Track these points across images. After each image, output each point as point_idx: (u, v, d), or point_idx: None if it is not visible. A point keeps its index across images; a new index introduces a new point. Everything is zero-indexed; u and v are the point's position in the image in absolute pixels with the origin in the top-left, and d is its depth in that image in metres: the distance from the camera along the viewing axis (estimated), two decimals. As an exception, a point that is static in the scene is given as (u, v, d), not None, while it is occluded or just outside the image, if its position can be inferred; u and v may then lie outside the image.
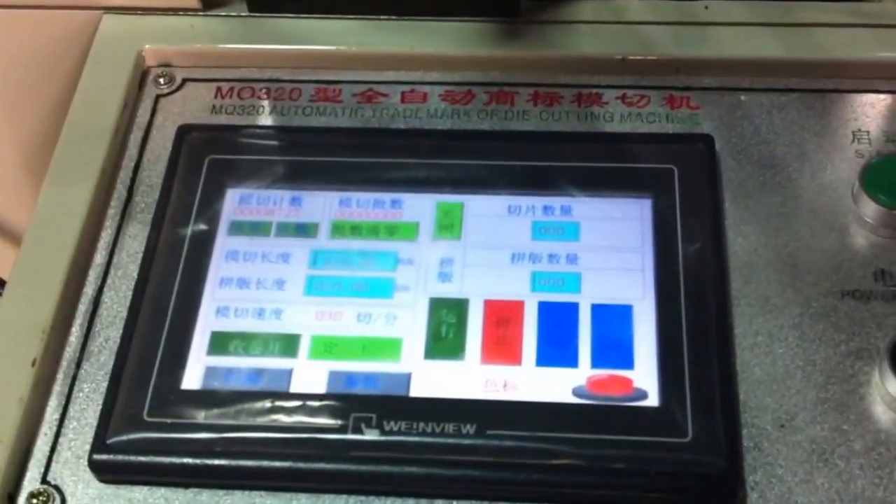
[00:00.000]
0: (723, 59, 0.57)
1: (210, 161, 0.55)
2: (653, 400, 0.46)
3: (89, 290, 0.52)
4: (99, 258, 0.53)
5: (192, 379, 0.48)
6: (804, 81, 0.57)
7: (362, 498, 0.46)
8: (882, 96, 0.56)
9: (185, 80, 0.59)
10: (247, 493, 0.46)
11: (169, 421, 0.47)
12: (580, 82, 0.57)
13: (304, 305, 0.50)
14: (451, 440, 0.46)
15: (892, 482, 0.45)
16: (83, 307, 0.51)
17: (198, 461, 0.46)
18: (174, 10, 0.60)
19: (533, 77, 0.58)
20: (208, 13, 0.61)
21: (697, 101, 0.56)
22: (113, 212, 0.54)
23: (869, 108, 0.56)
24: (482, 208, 0.53)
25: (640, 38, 0.58)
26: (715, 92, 0.57)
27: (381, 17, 0.59)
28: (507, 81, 0.58)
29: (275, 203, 0.53)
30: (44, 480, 0.47)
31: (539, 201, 0.53)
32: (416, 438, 0.46)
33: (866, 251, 0.51)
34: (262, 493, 0.46)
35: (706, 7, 0.59)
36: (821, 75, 0.57)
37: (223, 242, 0.52)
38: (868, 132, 0.55)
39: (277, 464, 0.46)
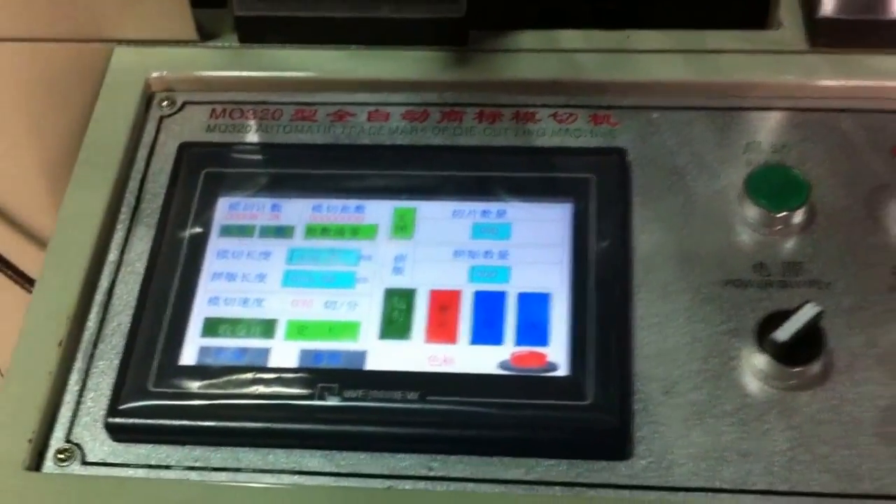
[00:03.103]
0: (639, 81, 0.67)
1: (206, 174, 0.65)
2: (562, 371, 0.56)
3: (104, 283, 0.62)
4: (112, 256, 0.63)
5: (188, 356, 0.59)
6: (709, 101, 0.66)
7: (327, 452, 0.56)
8: (773, 113, 0.65)
9: (185, 103, 0.69)
10: (231, 449, 0.56)
11: (170, 391, 0.57)
12: (518, 102, 0.67)
13: (281, 295, 0.60)
14: (398, 405, 0.56)
15: (754, 437, 0.55)
16: (99, 297, 0.62)
17: (193, 423, 0.56)
18: (176, 42, 0.71)
19: (478, 98, 0.68)
20: (206, 44, 0.71)
21: (616, 119, 0.66)
22: (123, 217, 0.65)
23: (761, 124, 0.65)
24: (431, 212, 0.63)
25: (570, 63, 0.68)
26: (632, 110, 0.66)
27: (352, 46, 0.69)
28: (456, 102, 0.68)
29: (258, 209, 0.64)
30: (67, 440, 0.57)
31: (479, 206, 0.63)
32: (370, 404, 0.56)
33: (748, 247, 0.61)
34: (245, 449, 0.56)
35: (628, 37, 0.69)
36: (723, 95, 0.66)
37: (215, 243, 0.63)
38: (760, 143, 0.65)
39: (257, 425, 0.56)
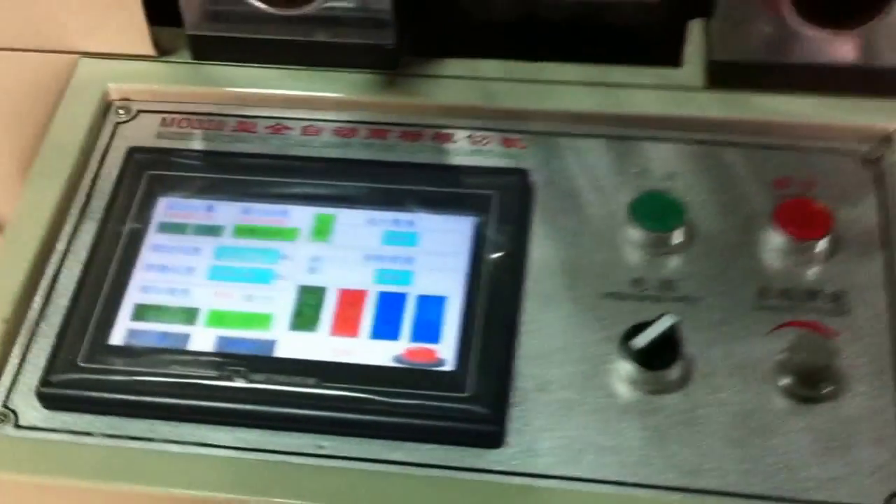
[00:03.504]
0: (548, 110, 0.72)
1: (148, 175, 0.71)
2: (448, 367, 0.62)
3: (50, 269, 0.68)
4: (60, 246, 0.69)
5: (117, 337, 0.64)
6: (609, 130, 0.72)
7: (231, 428, 0.61)
8: (667, 144, 0.71)
9: (139, 112, 0.75)
10: (147, 421, 0.62)
11: (97, 366, 0.63)
12: (438, 124, 0.73)
13: (205, 287, 0.66)
14: (296, 389, 0.61)
15: (613, 434, 0.60)
16: (45, 282, 0.67)
17: (114, 396, 0.62)
18: (136, 57, 0.77)
19: (403, 118, 0.73)
20: (162, 59, 0.77)
21: (525, 143, 0.72)
22: (74, 211, 0.70)
23: (655, 153, 0.71)
24: (349, 219, 0.69)
25: (488, 91, 0.73)
26: (540, 136, 0.72)
27: (292, 67, 0.75)
28: (383, 121, 0.73)
29: (194, 209, 0.70)
30: (4, 405, 0.63)
31: (391, 216, 0.68)
32: (272, 387, 0.62)
33: (629, 264, 0.66)
34: (159, 421, 0.62)
35: (542, 69, 0.74)
36: (623, 126, 0.72)
37: (152, 238, 0.68)
38: (652, 171, 0.70)
39: (170, 400, 0.62)
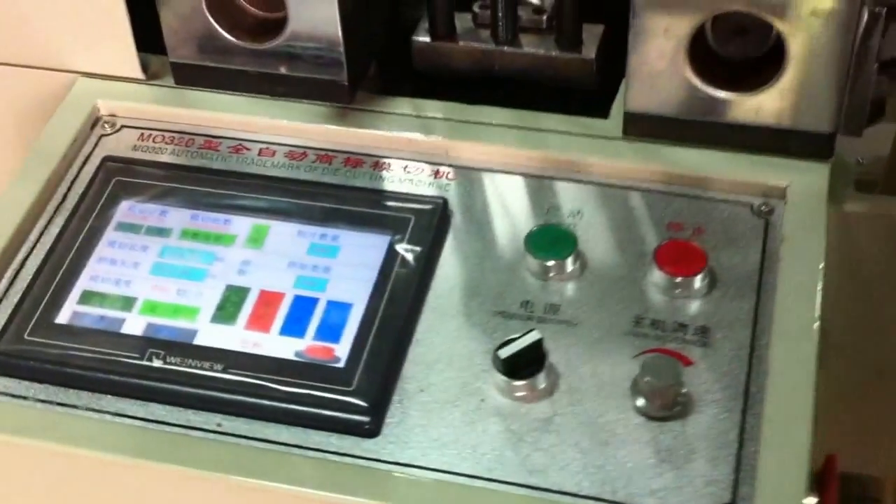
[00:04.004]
0: (477, 147, 0.78)
1: (115, 181, 0.79)
2: (341, 364, 0.68)
3: (20, 256, 0.75)
4: (32, 237, 0.76)
5: (63, 317, 0.71)
6: (529, 169, 0.77)
7: (146, 403, 0.68)
8: (577, 184, 0.76)
9: (122, 126, 0.83)
10: (76, 391, 0.68)
11: (40, 340, 0.70)
12: (379, 154, 0.79)
13: (146, 280, 0.73)
14: (205, 372, 0.68)
15: (477, 434, 0.65)
16: (13, 266, 0.75)
17: (50, 367, 0.69)
18: (126, 79, 0.85)
19: (348, 147, 0.80)
20: (149, 82, 0.85)
21: (453, 175, 0.78)
22: (49, 208, 0.78)
23: (566, 192, 0.76)
24: (281, 231, 0.75)
25: (427, 127, 0.80)
26: (467, 170, 0.78)
27: (257, 95, 0.83)
28: (330, 148, 0.80)
29: (149, 213, 0.77)
30: (-43, 368, 0.71)
31: (319, 230, 0.75)
32: (184, 369, 0.68)
33: (522, 287, 0.71)
34: (86, 392, 0.68)
35: (480, 111, 0.80)
36: (542, 166, 0.78)
37: (109, 235, 0.76)
38: (560, 208, 0.75)
39: (98, 375, 0.69)
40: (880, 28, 0.69)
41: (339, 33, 0.78)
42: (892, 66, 0.71)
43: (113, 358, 0.69)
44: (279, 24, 0.79)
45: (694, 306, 0.70)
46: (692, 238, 0.72)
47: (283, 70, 0.81)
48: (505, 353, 0.65)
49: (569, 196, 0.76)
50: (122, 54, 0.83)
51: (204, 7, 0.79)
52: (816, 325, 0.67)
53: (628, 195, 0.75)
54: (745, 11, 0.71)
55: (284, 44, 0.79)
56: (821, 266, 0.69)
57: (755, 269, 0.71)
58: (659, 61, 0.74)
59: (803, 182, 0.74)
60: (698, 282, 0.70)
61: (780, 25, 0.70)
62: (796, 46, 0.71)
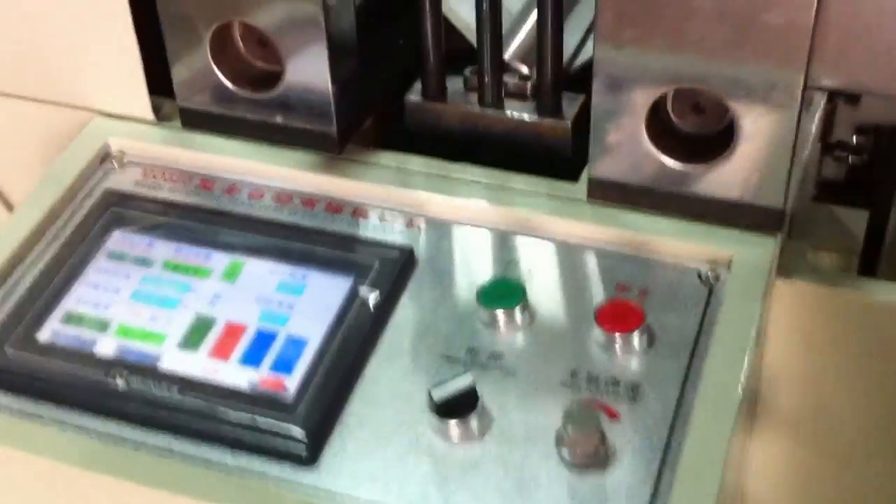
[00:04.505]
0: (448, 201, 0.81)
1: (111, 212, 0.83)
2: (289, 394, 0.71)
3: (16, 274, 0.80)
4: (30, 258, 0.81)
5: (44, 334, 0.75)
6: (498, 225, 0.80)
7: (105, 419, 0.71)
8: (535, 240, 0.78)
9: (128, 163, 0.88)
10: (45, 404, 0.72)
11: (19, 353, 0.74)
12: (358, 202, 0.82)
13: (124, 305, 0.77)
14: (162, 395, 0.71)
15: (407, 469, 0.67)
16: (8, 284, 0.79)
17: (27, 381, 0.73)
18: (138, 119, 0.89)
19: (333, 194, 0.83)
20: (159, 123, 0.89)
21: (425, 226, 0.80)
22: (49, 234, 0.82)
23: (526, 248, 0.78)
24: (255, 268, 0.78)
25: (405, 180, 0.83)
26: (438, 222, 0.81)
27: (254, 141, 0.86)
28: (315, 194, 0.83)
29: (137, 244, 0.81)
30: (-58, 374, 0.75)
31: (289, 269, 0.78)
32: (144, 390, 0.71)
33: (470, 335, 0.73)
34: (53, 405, 0.72)
35: (458, 169, 0.83)
36: (506, 223, 0.80)
37: (98, 261, 0.80)
38: (518, 262, 0.77)
39: (66, 391, 0.72)
40: (821, 112, 0.70)
41: (329, 88, 0.81)
42: (837, 148, 0.73)
43: (80, 375, 0.72)
44: (277, 77, 0.83)
45: (629, 363, 0.71)
46: (637, 299, 0.74)
47: (278, 119, 0.84)
48: (437, 393, 0.67)
49: (529, 252, 0.78)
50: (135, 97, 0.88)
51: (209, 58, 0.83)
52: (740, 389, 0.68)
53: (584, 255, 0.77)
54: (699, 89, 0.73)
55: (280, 95, 0.83)
56: (752, 334, 0.71)
57: (693, 332, 0.72)
58: (619, 132, 0.76)
59: (749, 253, 0.75)
60: (635, 340, 0.71)
61: (729, 103, 0.72)
62: (745, 124, 0.72)
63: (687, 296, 0.75)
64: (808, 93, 0.70)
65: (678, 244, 0.77)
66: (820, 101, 0.70)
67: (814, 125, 0.71)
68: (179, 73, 0.85)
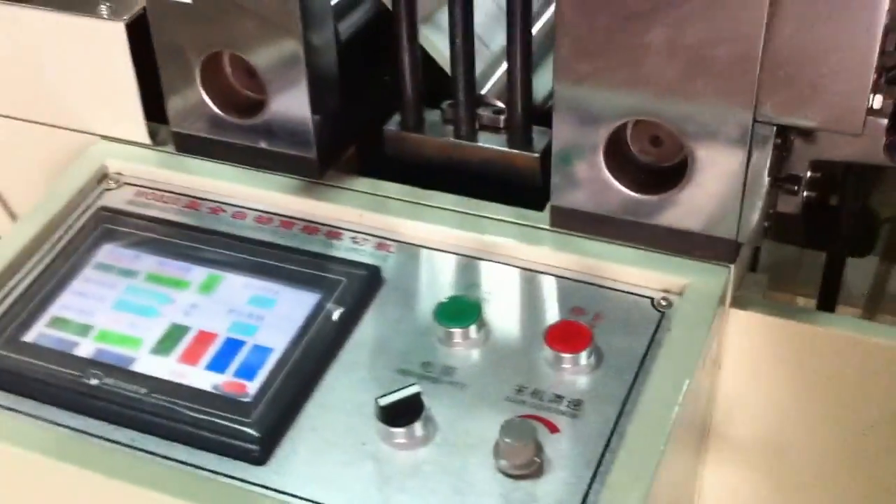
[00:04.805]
0: (417, 225, 0.84)
1: (103, 227, 0.87)
2: (248, 398, 0.74)
3: (12, 282, 0.84)
4: (27, 267, 0.85)
5: (30, 336, 0.79)
6: (464, 250, 0.83)
7: (77, 414, 0.75)
8: (498, 265, 0.81)
9: (124, 183, 0.92)
10: (25, 399, 0.75)
11: (6, 353, 0.78)
12: (333, 224, 0.86)
13: (107, 313, 0.81)
14: (131, 394, 0.74)
15: (351, 471, 0.70)
16: (8, 288, 0.84)
17: (9, 377, 0.77)
18: (135, 143, 0.94)
19: (310, 216, 0.87)
20: (155, 147, 0.94)
21: (394, 248, 0.84)
22: (47, 245, 0.86)
23: (489, 271, 0.81)
24: (231, 282, 0.82)
25: (380, 205, 0.86)
26: (407, 245, 0.84)
27: (240, 165, 0.91)
28: (294, 216, 0.87)
29: (124, 256, 0.85)
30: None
31: (263, 283, 0.81)
32: (115, 389, 0.75)
33: (426, 350, 0.76)
34: (33, 401, 0.75)
35: (429, 196, 0.87)
36: (475, 248, 0.83)
37: (87, 272, 0.84)
38: (480, 285, 0.81)
39: (45, 387, 0.76)
40: (770, 147, 0.73)
41: (309, 118, 0.85)
42: (788, 182, 0.75)
43: (59, 374, 0.76)
44: (263, 105, 0.87)
45: (574, 381, 0.74)
46: (590, 322, 0.76)
47: (263, 144, 0.88)
48: (383, 401, 0.70)
49: (491, 275, 0.81)
50: (133, 123, 0.92)
51: (199, 85, 0.88)
52: (674, 411, 0.70)
53: (543, 280, 0.80)
54: (656, 123, 0.76)
55: (264, 122, 0.87)
56: (695, 360, 0.73)
57: (640, 355, 0.75)
58: (579, 163, 0.79)
59: (701, 283, 0.77)
60: (582, 359, 0.74)
61: (683, 137, 0.75)
62: (698, 157, 0.75)
63: (638, 321, 0.77)
64: (757, 127, 0.72)
65: (634, 272, 0.79)
66: (769, 136, 0.73)
67: (766, 159, 0.73)
68: (172, 99, 0.90)
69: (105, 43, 0.89)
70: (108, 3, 0.90)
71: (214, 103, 0.89)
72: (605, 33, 0.72)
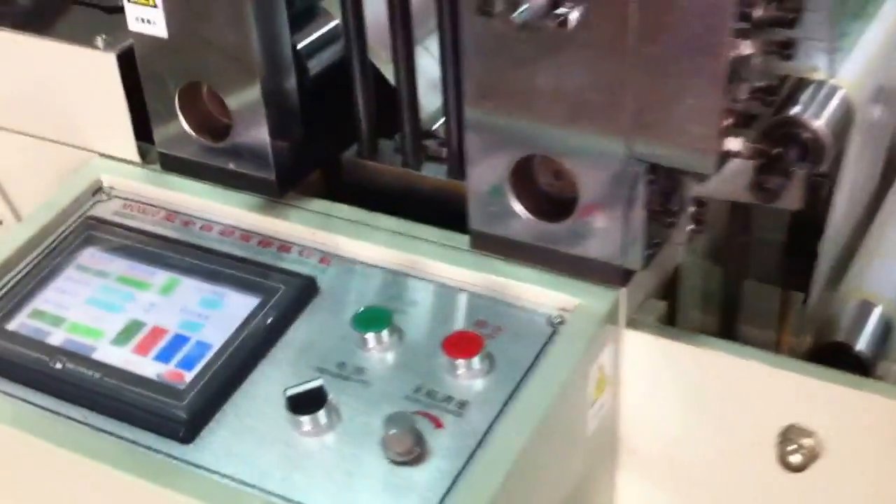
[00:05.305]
0: (352, 243, 0.95)
1: (87, 234, 0.99)
2: (183, 385, 0.84)
3: (5, 280, 0.97)
4: (20, 266, 0.98)
5: (13, 325, 0.91)
6: (395, 266, 0.93)
7: (43, 394, 0.86)
8: (426, 283, 0.91)
9: (114, 196, 1.04)
10: (8, 381, 0.88)
11: (-11, 340, 0.91)
12: (285, 239, 0.96)
13: (79, 308, 0.92)
14: (87, 377, 0.86)
15: (263, 452, 0.80)
16: (5, 280, 0.96)
17: (-6, 360, 0.89)
18: (127, 161, 1.06)
19: (266, 231, 0.97)
20: (144, 165, 1.06)
21: (335, 263, 0.93)
22: (40, 249, 0.98)
23: (415, 288, 0.91)
24: (187, 285, 0.93)
25: (327, 224, 0.97)
26: (346, 260, 0.94)
27: (211, 183, 1.02)
28: (252, 230, 0.98)
29: (101, 259, 0.96)
30: (-74, 350, 0.91)
31: (213, 287, 0.92)
32: (75, 373, 0.87)
33: (345, 352, 0.85)
34: (7, 381, 0.87)
35: (374, 218, 0.97)
36: (406, 266, 0.93)
37: (68, 272, 0.96)
38: (400, 298, 0.90)
39: (17, 369, 0.88)
40: (643, 183, 0.81)
41: (268, 142, 0.96)
42: (665, 216, 0.84)
43: (31, 358, 0.88)
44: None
45: (465, 385, 0.83)
46: (488, 333, 0.86)
47: (231, 166, 0.99)
48: (290, 392, 0.80)
49: (413, 290, 0.91)
50: (125, 142, 1.04)
51: (178, 110, 0.99)
52: (539, 414, 0.79)
53: (457, 295, 0.90)
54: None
55: (232, 145, 0.98)
56: (569, 371, 0.82)
57: (527, 365, 0.84)
58: (490, 190, 0.88)
59: (589, 303, 0.86)
60: (473, 365, 0.83)
61: (570, 170, 0.84)
62: (584, 190, 0.84)
63: (533, 335, 0.86)
64: (631, 164, 0.81)
65: (536, 290, 0.88)
66: (642, 173, 0.81)
67: (641, 194, 0.82)
68: (156, 123, 1.01)
69: (100, 71, 1.01)
70: (103, 36, 1.01)
71: (192, 127, 1.00)
72: (500, 76, 0.82)
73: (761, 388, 0.86)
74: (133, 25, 0.96)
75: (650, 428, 0.93)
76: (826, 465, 0.85)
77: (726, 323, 0.99)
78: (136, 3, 0.95)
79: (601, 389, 0.88)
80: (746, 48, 0.75)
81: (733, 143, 0.78)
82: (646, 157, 0.81)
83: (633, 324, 0.88)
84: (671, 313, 0.98)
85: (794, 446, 0.84)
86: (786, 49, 0.76)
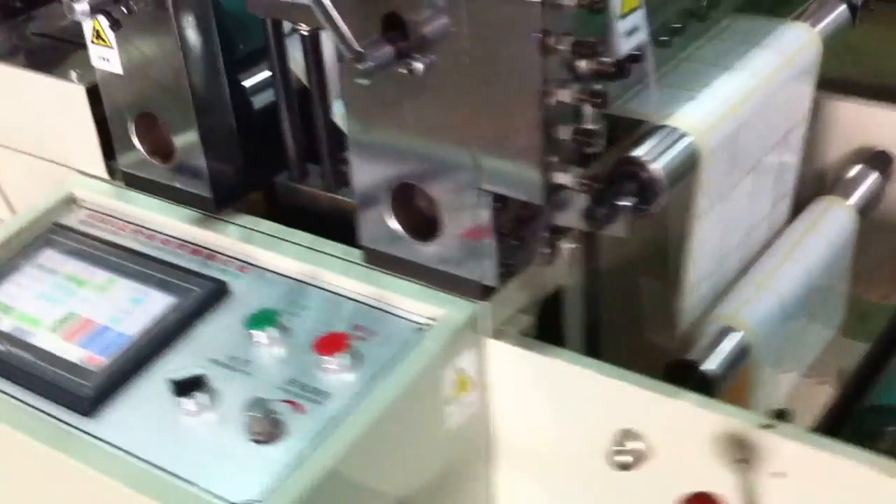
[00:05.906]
0: (274, 256, 1.07)
1: (48, 237, 1.13)
2: (96, 368, 0.98)
3: (-24, 274, 1.11)
4: (-9, 264, 1.12)
5: (-26, 314, 1.06)
6: (300, 276, 1.05)
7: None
8: (323, 293, 1.03)
9: (83, 207, 1.18)
10: (-48, 356, 1.02)
11: (-49, 324, 1.05)
12: (213, 249, 1.08)
13: (29, 300, 1.06)
14: (21, 358, 1.00)
15: (149, 426, 0.93)
16: (-30, 279, 1.11)
17: (-55, 339, 1.04)
18: (97, 177, 1.20)
19: (199, 241, 1.10)
20: (111, 182, 1.19)
21: (250, 272, 1.06)
22: (14, 248, 1.13)
23: (312, 297, 1.02)
24: (121, 285, 1.05)
25: (249, 237, 1.09)
26: (261, 270, 1.06)
27: (162, 198, 1.15)
28: (187, 240, 1.10)
29: (56, 260, 1.10)
30: None
31: (139, 287, 1.04)
32: (12, 353, 1.00)
33: (237, 347, 0.98)
34: (-43, 358, 1.02)
35: (293, 234, 1.09)
36: (310, 277, 1.04)
37: (27, 270, 1.09)
38: (298, 304, 1.02)
39: (-33, 349, 1.02)
40: (490, 210, 0.91)
41: (204, 164, 1.09)
42: (512, 237, 0.93)
43: (-4, 345, 1.02)
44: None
45: (333, 378, 0.94)
46: (359, 336, 0.97)
47: (177, 183, 1.13)
48: (172, 376, 0.93)
49: (309, 297, 1.02)
50: (95, 161, 1.18)
51: (134, 135, 1.13)
52: (380, 406, 0.90)
53: (345, 303, 1.01)
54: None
55: (176, 166, 1.11)
56: (415, 371, 0.92)
57: (388, 365, 0.94)
58: (373, 210, 0.99)
59: (450, 313, 0.96)
60: (340, 362, 0.94)
61: (434, 197, 0.95)
62: (444, 215, 0.94)
63: (402, 340, 0.96)
64: (479, 194, 0.91)
65: (410, 301, 0.99)
66: (489, 202, 0.91)
67: (488, 219, 0.92)
68: (118, 146, 1.15)
69: (72, 101, 1.15)
70: (78, 71, 1.16)
71: (146, 150, 1.13)
72: (373, 112, 0.93)
73: (600, 395, 0.95)
74: (95, 62, 1.10)
75: (521, 427, 1.02)
76: (653, 467, 0.93)
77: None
78: (96, 43, 1.09)
79: (463, 389, 0.98)
80: (565, 96, 0.84)
81: (562, 178, 0.87)
82: (488, 188, 0.91)
83: (498, 334, 0.98)
84: (558, 329, 1.08)
85: (624, 448, 0.93)
86: (596, 98, 0.85)
